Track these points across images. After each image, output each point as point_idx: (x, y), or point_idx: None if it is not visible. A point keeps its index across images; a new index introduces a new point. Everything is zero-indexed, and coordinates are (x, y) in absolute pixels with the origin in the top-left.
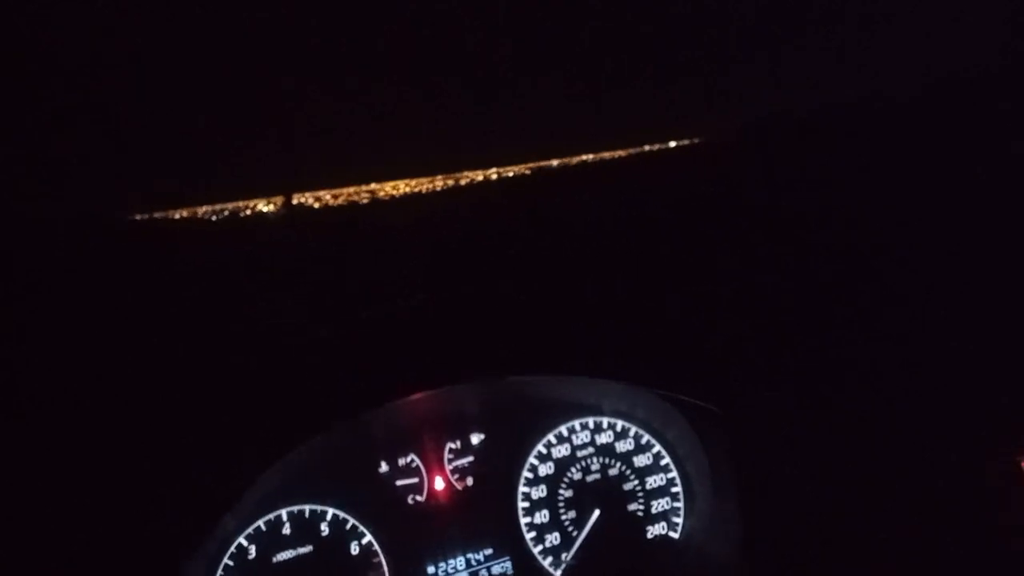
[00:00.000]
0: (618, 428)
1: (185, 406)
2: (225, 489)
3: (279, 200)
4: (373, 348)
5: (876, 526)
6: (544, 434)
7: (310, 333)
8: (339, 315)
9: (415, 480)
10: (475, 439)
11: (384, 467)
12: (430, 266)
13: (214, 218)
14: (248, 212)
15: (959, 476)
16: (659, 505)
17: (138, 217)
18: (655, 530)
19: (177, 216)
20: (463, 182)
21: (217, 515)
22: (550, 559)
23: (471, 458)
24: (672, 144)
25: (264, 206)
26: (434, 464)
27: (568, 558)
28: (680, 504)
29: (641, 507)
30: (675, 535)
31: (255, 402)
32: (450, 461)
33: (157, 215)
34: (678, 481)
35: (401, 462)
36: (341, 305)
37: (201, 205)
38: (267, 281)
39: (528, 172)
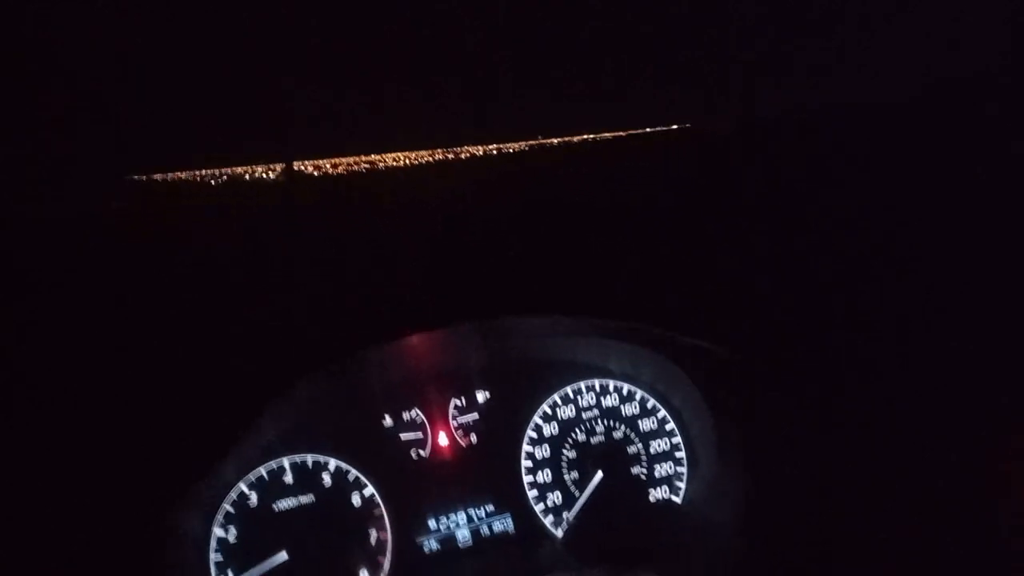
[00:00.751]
0: (624, 391)
1: (182, 350)
2: (223, 430)
3: (280, 167)
4: (372, 291)
5: (877, 497)
6: (549, 394)
7: (308, 280)
8: (337, 265)
9: (419, 435)
10: (480, 396)
11: (388, 420)
12: (428, 224)
13: (214, 182)
14: (249, 177)
15: (961, 462)
16: (662, 469)
17: (139, 178)
18: (657, 494)
19: (179, 177)
20: (463, 156)
21: (215, 457)
22: (551, 518)
23: (475, 415)
24: (672, 127)
25: (265, 172)
26: (438, 420)
27: (569, 518)
28: (683, 469)
29: (644, 470)
30: (677, 499)
31: (251, 345)
32: (454, 417)
33: (158, 177)
34: (682, 446)
35: (405, 416)
36: (339, 258)
37: (203, 168)
38: (268, 235)
39: (527, 148)
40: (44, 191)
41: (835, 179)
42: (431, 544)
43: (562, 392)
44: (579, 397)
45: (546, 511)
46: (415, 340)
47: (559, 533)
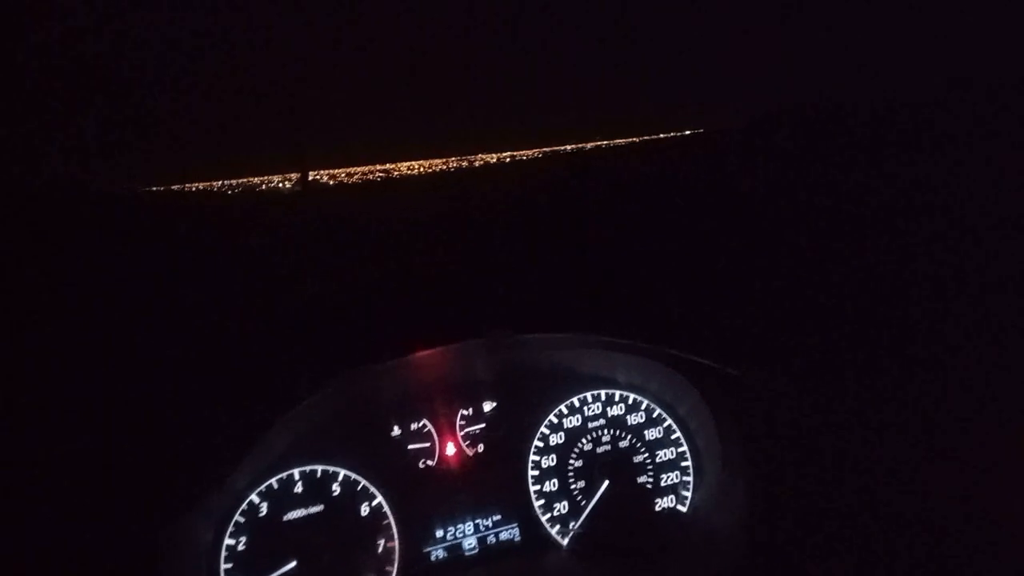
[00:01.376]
0: (630, 401)
1: (193, 361)
2: (234, 443)
3: (295, 176)
4: (385, 306)
5: (882, 508)
6: (556, 404)
7: (320, 292)
8: (351, 277)
9: (427, 445)
10: (487, 406)
11: (396, 431)
12: (442, 236)
13: (230, 192)
14: (264, 187)
15: (966, 471)
16: (668, 478)
17: (156, 189)
18: (663, 503)
19: (195, 188)
20: (477, 163)
21: (226, 469)
22: (558, 527)
23: (483, 425)
24: (686, 132)
25: (281, 182)
26: (446, 429)
27: (576, 527)
28: (689, 478)
29: (650, 480)
30: (683, 508)
31: (265, 358)
32: (462, 427)
33: (175, 187)
34: (688, 455)
35: (413, 426)
36: (353, 269)
37: (220, 179)
38: (281, 246)
39: (540, 156)
40: (57, 198)
41: (845, 193)
42: (438, 553)
43: (568, 402)
44: (585, 407)
45: (552, 520)
46: (424, 353)
47: (565, 542)
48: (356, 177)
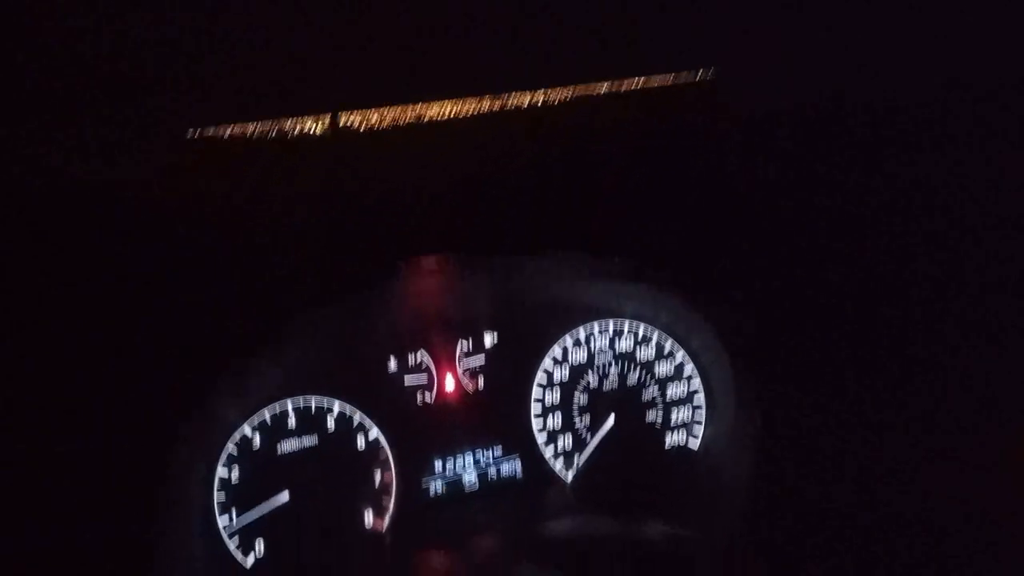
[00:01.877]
0: (640, 334)
1: (189, 283)
2: (225, 363)
3: (326, 119)
4: (381, 223)
5: (894, 450)
6: (560, 337)
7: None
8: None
9: (424, 378)
10: (488, 340)
11: (393, 364)
12: (463, 181)
13: (259, 136)
14: (295, 131)
15: (977, 419)
16: (679, 415)
17: (191, 135)
18: (673, 440)
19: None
20: (509, 106)
21: (210, 392)
22: (561, 462)
23: (483, 358)
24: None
25: (311, 125)
26: (444, 363)
27: (579, 462)
28: (701, 414)
29: (660, 416)
30: (694, 446)
31: (254, 281)
32: (461, 360)
33: (209, 132)
34: (701, 390)
35: (411, 360)
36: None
37: (250, 122)
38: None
39: (573, 97)
40: (91, 151)
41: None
42: (437, 487)
43: (574, 335)
44: (591, 340)
45: (556, 455)
46: (422, 280)
47: (569, 478)
48: (387, 121)
